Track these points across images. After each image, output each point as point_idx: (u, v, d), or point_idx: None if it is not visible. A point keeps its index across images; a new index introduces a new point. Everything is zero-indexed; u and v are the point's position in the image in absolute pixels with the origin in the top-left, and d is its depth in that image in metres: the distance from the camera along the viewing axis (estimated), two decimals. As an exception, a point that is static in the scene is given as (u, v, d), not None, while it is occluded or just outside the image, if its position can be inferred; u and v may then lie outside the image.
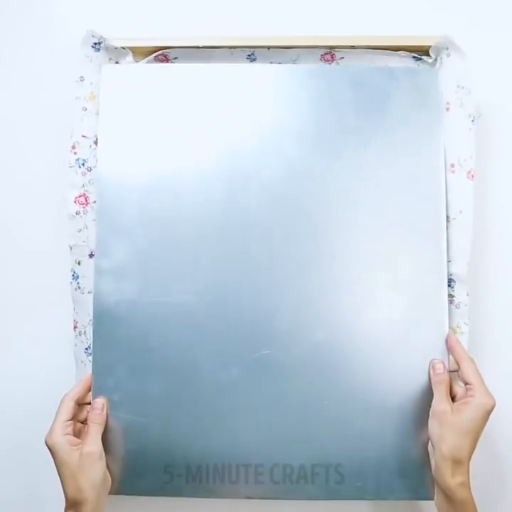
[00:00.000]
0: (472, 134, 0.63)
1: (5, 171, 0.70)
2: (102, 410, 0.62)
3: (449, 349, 0.61)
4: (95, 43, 0.64)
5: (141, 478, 0.62)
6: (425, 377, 0.61)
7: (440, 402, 0.58)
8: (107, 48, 0.65)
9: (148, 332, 0.63)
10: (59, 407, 0.61)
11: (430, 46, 0.64)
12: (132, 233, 0.63)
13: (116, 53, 0.65)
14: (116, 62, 0.66)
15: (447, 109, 0.64)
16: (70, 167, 0.64)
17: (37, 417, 0.64)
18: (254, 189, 0.63)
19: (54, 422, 0.60)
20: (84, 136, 0.64)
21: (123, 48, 0.65)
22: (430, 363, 0.61)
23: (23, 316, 0.70)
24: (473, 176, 0.63)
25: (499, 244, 0.69)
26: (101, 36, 0.64)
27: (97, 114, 0.64)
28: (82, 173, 0.64)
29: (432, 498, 0.60)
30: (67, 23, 0.69)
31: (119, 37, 0.65)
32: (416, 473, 0.61)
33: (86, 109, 0.64)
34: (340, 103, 0.64)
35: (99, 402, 0.62)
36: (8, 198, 0.70)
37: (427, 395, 0.61)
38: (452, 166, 0.64)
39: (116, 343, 0.63)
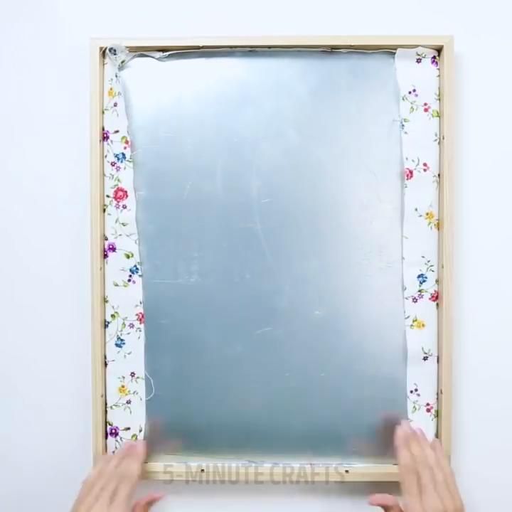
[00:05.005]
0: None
1: (6, 173, 0.70)
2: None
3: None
4: (111, 49, 0.65)
5: (157, 444, 0.68)
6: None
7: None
8: (117, 49, 0.65)
9: (159, 312, 0.68)
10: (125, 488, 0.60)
11: (427, 45, 0.66)
12: (141, 221, 0.67)
13: (122, 53, 0.66)
14: (123, 62, 0.67)
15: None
16: (109, 162, 0.67)
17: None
18: (255, 176, 0.67)
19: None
20: (116, 131, 0.66)
21: (127, 47, 0.66)
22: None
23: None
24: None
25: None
26: (113, 44, 0.65)
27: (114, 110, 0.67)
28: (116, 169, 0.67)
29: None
30: (69, 24, 0.69)
31: (120, 36, 0.66)
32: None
33: (116, 105, 0.66)
34: (338, 91, 0.67)
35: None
36: (13, 201, 0.70)
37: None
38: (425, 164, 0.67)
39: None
